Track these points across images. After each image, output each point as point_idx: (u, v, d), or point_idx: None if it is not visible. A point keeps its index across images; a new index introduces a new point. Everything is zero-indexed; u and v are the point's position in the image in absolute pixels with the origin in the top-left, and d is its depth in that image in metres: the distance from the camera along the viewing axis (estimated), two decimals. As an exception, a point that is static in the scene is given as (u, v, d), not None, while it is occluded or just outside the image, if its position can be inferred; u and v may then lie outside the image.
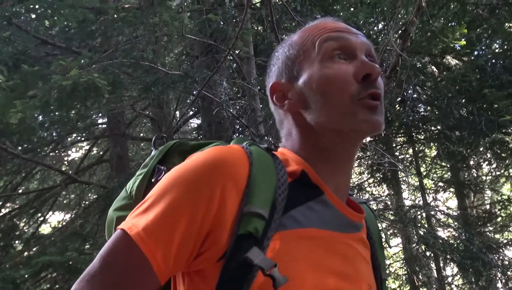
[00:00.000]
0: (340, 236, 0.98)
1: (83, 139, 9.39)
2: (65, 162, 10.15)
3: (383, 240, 1.15)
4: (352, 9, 7.11)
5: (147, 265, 0.85)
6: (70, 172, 8.53)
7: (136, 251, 0.85)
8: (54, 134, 7.40)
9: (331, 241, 0.96)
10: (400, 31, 4.29)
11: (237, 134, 6.37)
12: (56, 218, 10.18)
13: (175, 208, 0.87)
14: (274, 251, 0.87)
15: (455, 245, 6.89)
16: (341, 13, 7.11)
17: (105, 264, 0.86)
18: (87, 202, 8.88)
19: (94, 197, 8.90)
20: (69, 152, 10.26)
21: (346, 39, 1.04)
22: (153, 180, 1.14)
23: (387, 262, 9.60)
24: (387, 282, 1.16)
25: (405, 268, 8.61)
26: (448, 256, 6.89)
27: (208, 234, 0.87)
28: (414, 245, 7.90)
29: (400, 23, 5.07)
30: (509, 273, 6.75)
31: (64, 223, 8.85)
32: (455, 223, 7.48)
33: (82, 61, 5.28)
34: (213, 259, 0.87)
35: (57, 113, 5.87)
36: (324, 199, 0.99)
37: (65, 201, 9.27)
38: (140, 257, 0.85)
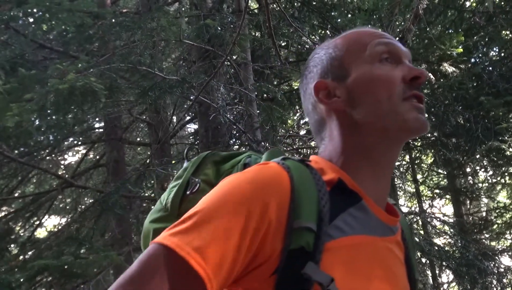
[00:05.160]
0: (380, 241, 1.00)
1: (79, 143, 9.37)
2: (62, 166, 10.12)
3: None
4: (349, 15, 7.12)
5: (201, 286, 0.81)
6: (67, 176, 8.52)
7: (190, 271, 0.81)
8: (50, 138, 7.37)
9: (373, 246, 0.98)
10: (397, 38, 4.30)
11: (233, 140, 6.35)
12: (52, 222, 10.18)
13: (225, 229, 0.85)
14: (327, 264, 0.88)
15: (451, 252, 6.90)
16: (339, 20, 7.13)
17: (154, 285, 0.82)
18: (83, 206, 8.87)
19: (90, 201, 8.89)
20: (66, 156, 10.25)
21: (395, 45, 1.10)
22: (188, 192, 1.16)
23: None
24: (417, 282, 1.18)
25: (401, 274, 8.60)
26: (444, 263, 6.89)
27: (258, 252, 0.88)
28: (410, 251, 7.88)
29: (398, 30, 5.09)
30: (504, 280, 6.75)
31: (60, 227, 8.82)
32: (451, 230, 7.47)
33: (80, 65, 5.26)
34: (265, 276, 0.88)
35: (53, 117, 5.86)
36: (362, 204, 1.00)
37: (61, 205, 9.25)
38: (193, 278, 0.81)
